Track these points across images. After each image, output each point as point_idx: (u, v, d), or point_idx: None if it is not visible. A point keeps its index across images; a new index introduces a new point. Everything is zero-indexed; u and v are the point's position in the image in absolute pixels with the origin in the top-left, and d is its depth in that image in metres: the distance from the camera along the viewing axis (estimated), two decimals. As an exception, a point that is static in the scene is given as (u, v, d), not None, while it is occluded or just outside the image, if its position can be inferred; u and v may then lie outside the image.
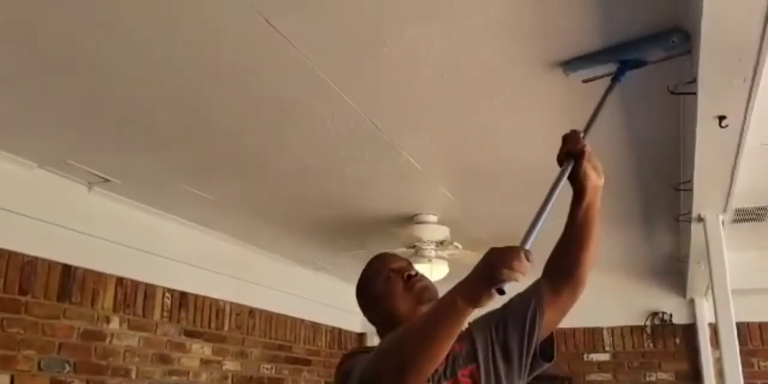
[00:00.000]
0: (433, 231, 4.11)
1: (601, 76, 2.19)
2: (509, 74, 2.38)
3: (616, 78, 2.11)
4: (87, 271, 3.56)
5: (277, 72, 2.35)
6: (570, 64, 2.19)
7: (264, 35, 2.08)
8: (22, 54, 2.21)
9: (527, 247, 1.40)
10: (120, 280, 3.78)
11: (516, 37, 2.12)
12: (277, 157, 3.17)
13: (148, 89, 2.48)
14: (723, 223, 3.37)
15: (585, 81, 2.24)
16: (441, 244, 4.19)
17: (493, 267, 1.31)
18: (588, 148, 1.67)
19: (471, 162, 3.27)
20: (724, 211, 3.30)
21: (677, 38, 1.98)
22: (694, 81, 2.04)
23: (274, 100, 2.58)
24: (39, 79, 2.39)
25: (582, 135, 1.73)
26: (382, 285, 1.84)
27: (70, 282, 3.45)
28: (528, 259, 1.31)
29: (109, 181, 3.40)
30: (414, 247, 4.19)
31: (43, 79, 2.39)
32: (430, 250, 4.20)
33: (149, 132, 2.86)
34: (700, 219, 3.35)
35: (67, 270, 3.45)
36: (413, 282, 1.83)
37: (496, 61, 2.28)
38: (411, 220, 4.12)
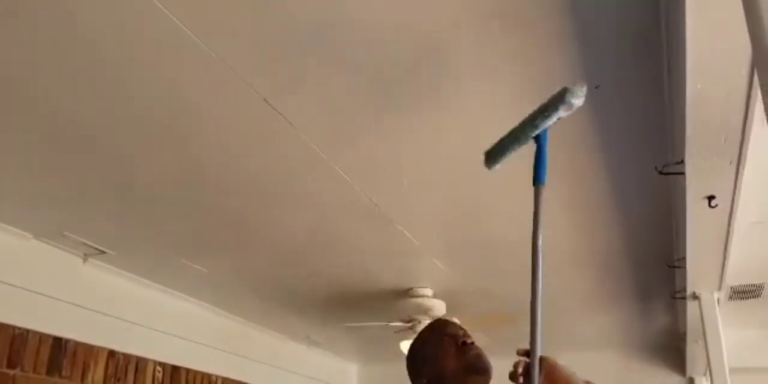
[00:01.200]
0: (427, 305, 4.09)
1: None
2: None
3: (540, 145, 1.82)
4: (78, 344, 3.51)
5: (275, 149, 2.41)
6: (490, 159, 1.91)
7: (262, 114, 2.14)
8: (24, 128, 2.27)
9: None
10: (111, 353, 3.73)
11: (505, 114, 2.18)
12: (272, 232, 3.19)
13: (147, 165, 2.52)
14: (718, 300, 3.36)
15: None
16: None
17: None
18: None
19: (467, 236, 3.29)
20: (719, 288, 3.30)
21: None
22: (682, 162, 2.09)
23: (271, 176, 2.62)
24: (40, 153, 2.43)
25: (521, 365, 1.52)
26: (436, 346, 1.80)
27: (60, 355, 3.40)
28: None
29: (104, 252, 3.40)
30: (410, 321, 4.16)
31: (44, 153, 2.44)
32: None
33: (147, 205, 2.89)
34: (695, 297, 3.35)
35: (58, 342, 3.41)
36: (467, 348, 1.78)
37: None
38: (406, 293, 4.11)
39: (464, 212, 2.99)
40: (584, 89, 1.74)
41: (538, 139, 1.88)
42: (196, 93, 2.06)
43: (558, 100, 1.80)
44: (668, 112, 2.08)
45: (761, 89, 0.90)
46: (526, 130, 1.88)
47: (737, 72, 1.66)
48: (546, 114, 1.82)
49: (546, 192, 1.73)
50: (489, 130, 2.27)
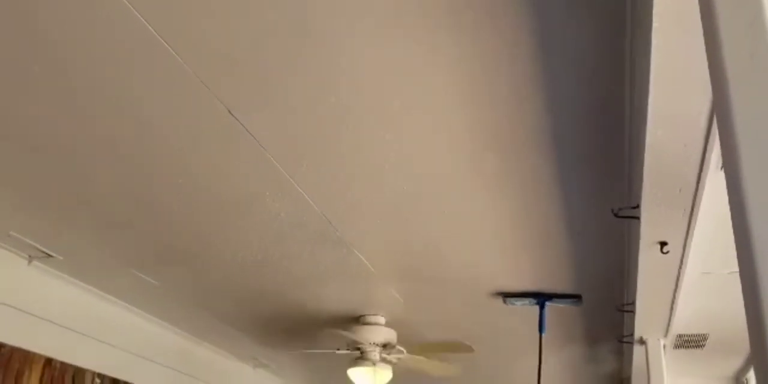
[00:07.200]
0: (379, 333, 4.05)
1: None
2: (464, 184, 2.45)
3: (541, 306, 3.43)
4: (14, 349, 3.40)
5: (236, 164, 2.39)
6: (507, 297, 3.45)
7: (225, 126, 2.12)
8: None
9: None
10: (49, 361, 3.61)
11: (469, 150, 2.20)
12: (227, 248, 3.15)
13: (104, 173, 2.48)
14: (664, 347, 3.40)
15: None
16: (386, 347, 4.12)
17: None
18: None
19: (423, 266, 3.28)
20: (666, 335, 3.33)
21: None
22: (638, 207, 2.12)
23: (230, 192, 2.59)
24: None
25: None
26: None
27: (-6, 359, 3.30)
28: None
29: (51, 256, 3.32)
30: (358, 349, 4.11)
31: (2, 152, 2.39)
32: (375, 354, 4.12)
33: (100, 213, 2.83)
34: (642, 342, 3.39)
35: (-7, 346, 3.30)
36: None
37: (458, 172, 2.36)
38: (357, 320, 4.07)
39: (424, 243, 2.99)
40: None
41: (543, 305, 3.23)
42: (159, 102, 2.04)
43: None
44: (627, 156, 2.12)
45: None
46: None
47: (696, 123, 1.70)
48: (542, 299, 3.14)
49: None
50: (454, 162, 2.30)
